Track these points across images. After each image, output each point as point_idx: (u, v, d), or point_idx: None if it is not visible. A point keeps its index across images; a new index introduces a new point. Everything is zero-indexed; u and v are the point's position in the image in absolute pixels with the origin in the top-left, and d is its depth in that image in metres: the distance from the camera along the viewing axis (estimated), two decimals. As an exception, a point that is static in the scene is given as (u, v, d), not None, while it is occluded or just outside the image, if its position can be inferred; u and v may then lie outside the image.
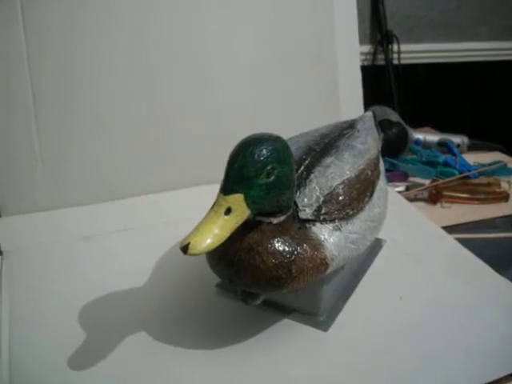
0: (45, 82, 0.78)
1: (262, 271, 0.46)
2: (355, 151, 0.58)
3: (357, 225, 0.53)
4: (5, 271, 0.68)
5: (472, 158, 1.03)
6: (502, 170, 0.99)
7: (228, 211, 0.44)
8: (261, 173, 0.44)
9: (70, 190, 0.81)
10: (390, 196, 0.63)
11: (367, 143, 0.61)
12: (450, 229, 0.78)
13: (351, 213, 0.53)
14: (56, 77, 0.78)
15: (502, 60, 1.76)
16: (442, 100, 1.72)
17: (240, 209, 0.44)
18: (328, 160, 0.56)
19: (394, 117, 1.07)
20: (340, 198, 0.53)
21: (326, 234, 0.50)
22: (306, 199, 0.51)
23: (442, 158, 1.00)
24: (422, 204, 0.90)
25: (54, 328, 0.57)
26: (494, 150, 1.12)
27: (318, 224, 0.50)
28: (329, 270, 0.51)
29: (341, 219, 0.52)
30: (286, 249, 0.47)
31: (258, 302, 0.54)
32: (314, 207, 0.51)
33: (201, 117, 0.87)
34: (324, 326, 0.57)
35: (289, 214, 0.49)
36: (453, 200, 0.90)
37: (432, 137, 1.09)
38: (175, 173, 0.86)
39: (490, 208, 0.89)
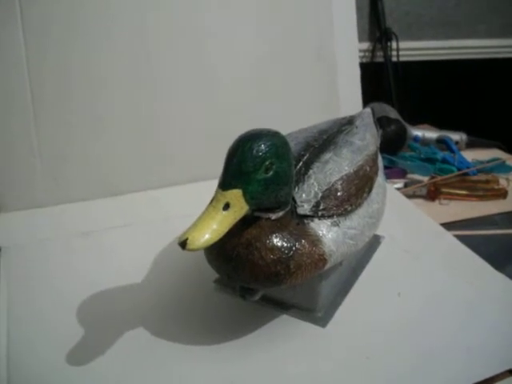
0: (44, 81, 0.78)
1: (260, 267, 0.46)
2: (354, 147, 0.58)
3: (355, 221, 0.53)
4: (3, 267, 0.68)
5: (470, 155, 1.03)
6: (501, 166, 0.99)
7: (226, 206, 0.44)
8: (259, 168, 0.44)
9: (69, 186, 0.81)
10: (388, 193, 0.63)
11: (366, 139, 0.61)
12: (448, 225, 0.78)
13: (349, 209, 0.53)
14: (55, 75, 0.79)
15: (500, 57, 1.76)
16: (441, 97, 1.72)
17: (238, 204, 0.44)
18: (326, 156, 0.56)
19: (393, 114, 1.07)
20: (338, 193, 0.53)
21: (325, 230, 0.50)
22: (304, 195, 0.51)
23: (440, 154, 1.00)
24: (420, 201, 0.90)
25: (53, 324, 0.57)
26: (493, 147, 1.12)
27: (316, 220, 0.50)
28: (327, 266, 0.51)
29: (339, 215, 0.52)
30: (285, 244, 0.47)
31: (257, 297, 0.54)
32: (313, 203, 0.51)
33: (200, 114, 0.87)
34: (322, 321, 0.57)
35: (287, 209, 0.49)
36: (451, 197, 0.90)
37: (430, 134, 1.09)
38: (174, 169, 0.87)
39: (488, 205, 0.89)
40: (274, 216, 0.48)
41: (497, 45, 1.74)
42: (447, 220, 0.82)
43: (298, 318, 0.58)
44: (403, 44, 1.68)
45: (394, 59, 1.69)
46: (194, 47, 0.86)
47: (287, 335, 0.56)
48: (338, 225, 0.51)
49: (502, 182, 0.93)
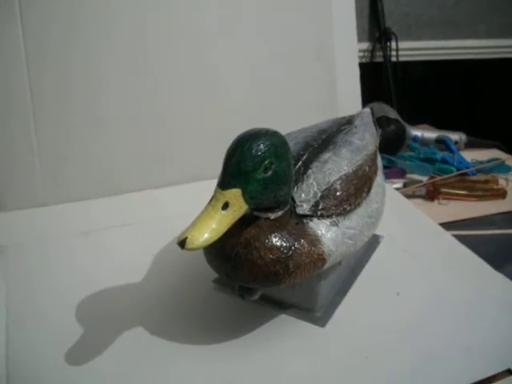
0: (43, 81, 0.78)
1: (259, 266, 0.46)
2: (353, 147, 0.58)
3: (354, 220, 0.53)
4: (3, 266, 0.68)
5: (470, 155, 1.03)
6: (500, 167, 0.99)
7: (225, 206, 0.44)
8: (258, 168, 0.44)
9: (69, 185, 0.81)
10: (387, 193, 0.63)
11: (365, 139, 0.61)
12: (447, 225, 0.78)
13: (349, 208, 0.53)
14: (54, 75, 0.79)
15: (500, 58, 1.76)
16: (440, 97, 1.72)
17: (237, 204, 0.44)
18: (326, 156, 0.56)
19: (392, 114, 1.07)
20: (337, 193, 0.53)
21: (324, 230, 0.50)
22: (303, 194, 0.51)
23: (439, 154, 1.00)
24: (419, 201, 0.90)
25: (52, 323, 0.57)
26: (492, 147, 1.12)
27: (315, 219, 0.50)
28: (326, 266, 0.51)
29: (338, 215, 0.52)
30: (284, 244, 0.47)
31: (256, 297, 0.54)
32: (312, 203, 0.51)
33: (199, 113, 0.87)
34: (321, 321, 0.57)
35: (286, 209, 0.49)
36: (450, 197, 0.90)
37: (430, 134, 1.09)
38: (173, 168, 0.87)
39: (487, 205, 0.89)
40: (273, 216, 0.48)
41: (496, 45, 1.74)
42: (446, 220, 0.82)
43: (296, 317, 0.58)
44: (402, 44, 1.68)
45: (394, 59, 1.69)
46: (193, 47, 0.86)
47: (286, 335, 0.56)
48: (337, 224, 0.51)
49: (501, 182, 0.93)
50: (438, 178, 0.92)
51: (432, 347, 0.54)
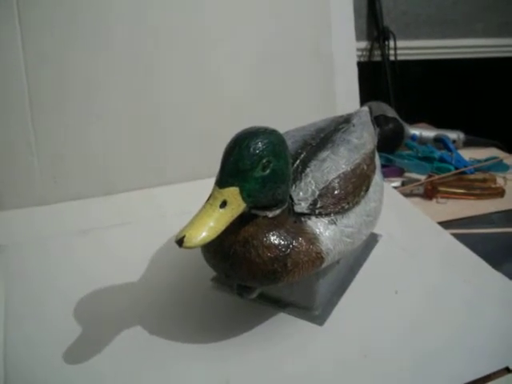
0: (41, 80, 0.78)
1: (257, 265, 0.46)
2: (351, 145, 0.58)
3: (352, 219, 0.53)
4: (1, 265, 0.68)
5: (468, 154, 1.03)
6: (498, 165, 0.99)
7: (223, 204, 0.44)
8: (256, 166, 0.44)
9: (67, 184, 0.81)
10: (385, 191, 0.63)
11: (363, 138, 0.61)
12: (445, 224, 0.79)
13: (347, 207, 0.53)
14: (53, 75, 0.79)
15: (498, 57, 1.76)
16: (438, 96, 1.72)
17: (235, 202, 0.44)
18: (324, 154, 0.56)
19: (390, 112, 1.07)
20: (335, 192, 0.53)
21: (322, 228, 0.50)
22: (301, 193, 0.51)
23: (437, 153, 1.00)
24: (417, 199, 0.90)
25: (51, 322, 0.57)
26: (490, 145, 1.12)
27: (313, 218, 0.50)
28: (324, 264, 0.51)
29: (336, 213, 0.52)
30: (282, 242, 0.47)
31: (254, 295, 0.54)
32: (310, 201, 0.51)
33: (197, 112, 0.87)
34: (319, 320, 0.57)
35: (284, 207, 0.49)
36: (448, 195, 0.90)
37: (428, 132, 1.09)
38: (171, 167, 0.87)
39: (485, 203, 0.89)
40: (271, 214, 0.48)
41: (494, 44, 1.74)
42: (444, 218, 0.82)
43: (295, 316, 0.58)
44: (401, 43, 1.68)
45: (392, 58, 1.69)
46: (192, 47, 0.86)
47: (284, 333, 0.56)
48: (335, 223, 0.51)
49: (499, 181, 0.93)
50: (437, 176, 0.92)
51: (430, 345, 0.54)
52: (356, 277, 0.65)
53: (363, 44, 1.70)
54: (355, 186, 0.55)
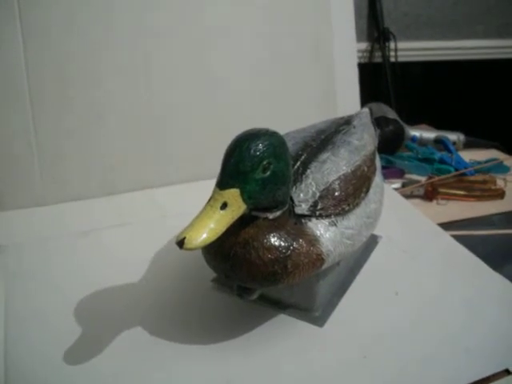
0: (42, 80, 0.78)
1: (257, 266, 0.46)
2: (351, 147, 0.58)
3: (353, 220, 0.53)
4: (2, 265, 0.68)
5: (468, 156, 1.03)
6: (498, 167, 0.99)
7: (224, 206, 0.44)
8: (257, 168, 0.44)
9: (67, 185, 0.82)
10: (386, 193, 0.63)
11: (363, 139, 0.61)
12: (445, 226, 0.78)
13: (347, 208, 0.53)
14: (53, 75, 0.79)
15: (498, 58, 1.76)
16: (439, 97, 1.72)
17: (236, 204, 0.44)
18: (324, 156, 0.56)
19: (391, 114, 1.07)
20: (336, 193, 0.53)
21: (322, 230, 0.50)
22: (302, 194, 0.51)
23: (438, 155, 1.00)
24: (417, 201, 0.90)
25: (51, 322, 0.57)
26: (490, 147, 1.12)
27: (313, 219, 0.50)
28: (324, 266, 0.51)
29: (337, 215, 0.52)
30: (282, 244, 0.47)
31: (254, 297, 0.54)
32: (310, 203, 0.51)
33: (198, 113, 0.88)
34: (319, 321, 0.57)
35: (285, 209, 0.49)
36: (449, 197, 0.90)
37: (428, 134, 1.09)
38: (172, 168, 0.87)
39: (485, 205, 0.89)
40: (271, 215, 0.48)
41: (495, 45, 1.74)
42: (445, 220, 0.82)
43: (295, 317, 0.58)
44: (401, 44, 1.69)
45: (392, 59, 1.69)
46: (192, 47, 0.86)
47: (284, 335, 0.56)
48: (335, 224, 0.51)
49: (500, 183, 0.93)
50: (437, 178, 0.92)
51: (430, 347, 0.54)
52: (356, 278, 0.65)
53: (364, 45, 1.70)
54: (356, 188, 0.55)
